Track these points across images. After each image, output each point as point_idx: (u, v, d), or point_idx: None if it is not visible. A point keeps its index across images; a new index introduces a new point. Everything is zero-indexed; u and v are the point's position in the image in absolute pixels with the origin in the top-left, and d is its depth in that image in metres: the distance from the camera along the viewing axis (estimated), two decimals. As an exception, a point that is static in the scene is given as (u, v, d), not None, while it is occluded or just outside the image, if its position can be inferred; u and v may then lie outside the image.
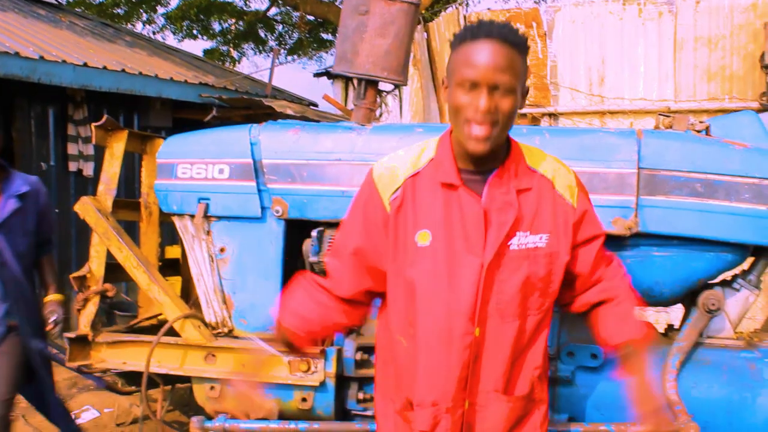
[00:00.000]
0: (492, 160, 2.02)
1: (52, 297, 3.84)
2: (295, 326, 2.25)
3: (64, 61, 7.19)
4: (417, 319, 2.04)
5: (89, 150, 7.89)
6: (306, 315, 2.25)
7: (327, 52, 17.67)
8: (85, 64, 7.39)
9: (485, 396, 2.05)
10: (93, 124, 3.61)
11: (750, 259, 2.99)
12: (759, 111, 6.47)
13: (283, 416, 3.18)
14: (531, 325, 2.06)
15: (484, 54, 1.87)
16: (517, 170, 2.03)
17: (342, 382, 3.15)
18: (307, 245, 3.10)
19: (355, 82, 3.33)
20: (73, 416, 4.33)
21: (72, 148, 7.82)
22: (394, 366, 2.16)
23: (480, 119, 1.88)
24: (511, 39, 1.90)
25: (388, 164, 2.12)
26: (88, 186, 7.78)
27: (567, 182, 2.09)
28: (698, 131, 2.92)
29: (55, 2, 11.69)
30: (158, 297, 3.37)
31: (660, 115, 3.07)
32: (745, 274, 3.00)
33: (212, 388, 3.26)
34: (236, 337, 3.27)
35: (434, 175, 2.04)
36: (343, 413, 3.17)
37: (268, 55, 17.90)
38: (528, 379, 2.09)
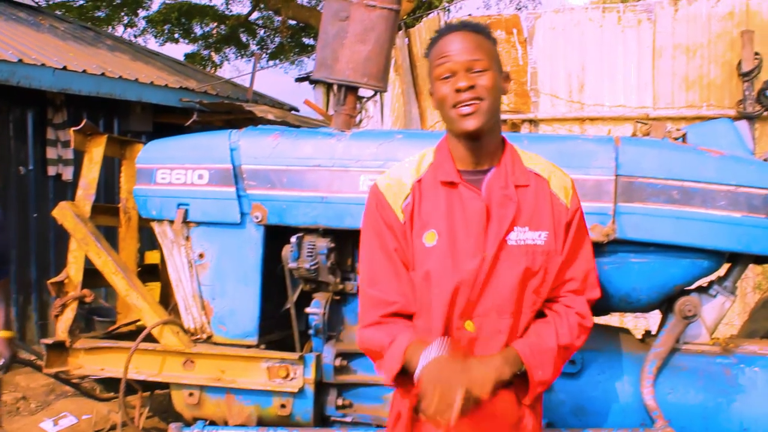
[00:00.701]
0: (489, 157, 2.06)
1: (0, 334, 3.45)
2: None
3: (43, 65, 7.14)
4: (431, 319, 2.03)
5: (68, 154, 7.83)
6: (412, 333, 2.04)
7: (309, 57, 17.67)
8: (65, 68, 7.35)
9: None
10: (72, 129, 3.60)
11: (726, 266, 3.02)
12: (736, 118, 6.55)
13: (262, 422, 3.18)
14: (523, 324, 2.05)
15: (451, 43, 1.99)
16: (514, 168, 2.07)
17: (321, 388, 3.14)
18: (287, 251, 3.10)
19: (335, 87, 3.33)
20: None
21: (51, 152, 7.76)
22: None
23: (463, 98, 1.96)
24: (473, 27, 2.03)
25: (393, 175, 2.14)
26: (68, 190, 7.72)
27: (562, 183, 2.12)
28: (675, 139, 2.95)
29: (35, 5, 11.61)
30: (137, 303, 3.36)
31: (637, 122, 3.10)
32: (721, 280, 3.03)
33: (191, 394, 3.24)
34: (215, 344, 3.27)
35: (435, 176, 2.07)
36: (322, 420, 3.17)
37: (250, 60, 17.86)
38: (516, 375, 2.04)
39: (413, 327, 2.05)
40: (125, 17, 17.86)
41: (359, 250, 2.25)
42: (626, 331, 3.21)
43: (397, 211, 2.07)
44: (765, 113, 6.48)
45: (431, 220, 2.03)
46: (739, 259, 3.00)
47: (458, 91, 1.96)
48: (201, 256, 3.25)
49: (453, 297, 1.99)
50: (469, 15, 7.97)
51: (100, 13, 17.20)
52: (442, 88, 1.99)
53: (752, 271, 6.76)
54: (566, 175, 2.16)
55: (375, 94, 3.56)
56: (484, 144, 2.04)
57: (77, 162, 7.44)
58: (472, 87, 1.95)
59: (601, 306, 2.69)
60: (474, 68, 1.97)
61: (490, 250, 1.98)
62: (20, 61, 6.87)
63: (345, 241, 3.15)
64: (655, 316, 3.16)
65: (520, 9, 10.28)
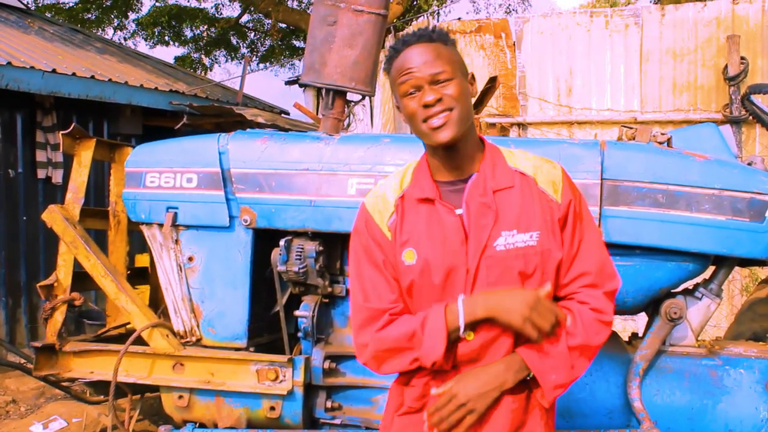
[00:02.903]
0: (468, 164, 2.04)
1: None
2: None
3: (32, 68, 7.12)
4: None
5: (58, 157, 7.82)
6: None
7: (299, 60, 17.68)
8: (54, 71, 7.33)
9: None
10: (60, 133, 3.60)
11: (711, 269, 3.05)
12: (722, 122, 6.60)
13: (251, 425, 3.19)
14: None
15: (411, 58, 1.97)
16: (494, 171, 2.03)
17: (310, 390, 3.16)
18: (276, 254, 3.11)
19: (324, 92, 3.35)
20: None
21: (40, 155, 7.75)
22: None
23: (433, 112, 1.94)
24: (428, 37, 1.99)
25: (378, 192, 2.13)
26: (57, 193, 7.71)
27: (550, 178, 2.06)
28: (660, 143, 2.98)
29: (24, 7, 11.58)
30: (126, 306, 3.36)
31: (623, 126, 3.12)
32: (706, 283, 3.06)
33: (180, 397, 3.25)
34: (204, 346, 3.28)
35: (413, 193, 2.06)
36: (311, 422, 3.18)
37: (240, 63, 17.85)
38: (526, 381, 2.02)
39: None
40: (115, 20, 17.83)
41: (348, 261, 2.24)
42: (613, 334, 3.23)
43: (384, 230, 2.06)
44: (750, 118, 6.54)
45: (411, 239, 2.02)
46: (724, 262, 3.03)
47: (426, 106, 1.94)
48: (190, 259, 3.26)
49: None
50: (459, 19, 7.99)
51: (89, 16, 17.16)
52: (410, 104, 1.97)
53: (740, 273, 6.81)
54: (555, 167, 2.09)
55: (363, 98, 3.57)
56: (461, 152, 2.02)
57: (67, 165, 7.45)
58: (439, 100, 1.94)
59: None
60: (438, 80, 1.95)
61: (472, 261, 1.96)
62: (9, 63, 6.86)
63: (333, 245, 3.17)
64: (644, 318, 3.19)
65: (509, 13, 10.32)
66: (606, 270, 2.08)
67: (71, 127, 3.60)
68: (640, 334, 3.14)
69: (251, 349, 3.26)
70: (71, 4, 16.79)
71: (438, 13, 14.35)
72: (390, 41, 7.74)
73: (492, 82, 6.02)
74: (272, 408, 3.13)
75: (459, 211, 2.01)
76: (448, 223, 2.00)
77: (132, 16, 17.88)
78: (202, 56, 18.97)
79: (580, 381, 2.94)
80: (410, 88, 1.96)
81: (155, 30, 17.66)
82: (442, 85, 1.95)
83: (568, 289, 2.05)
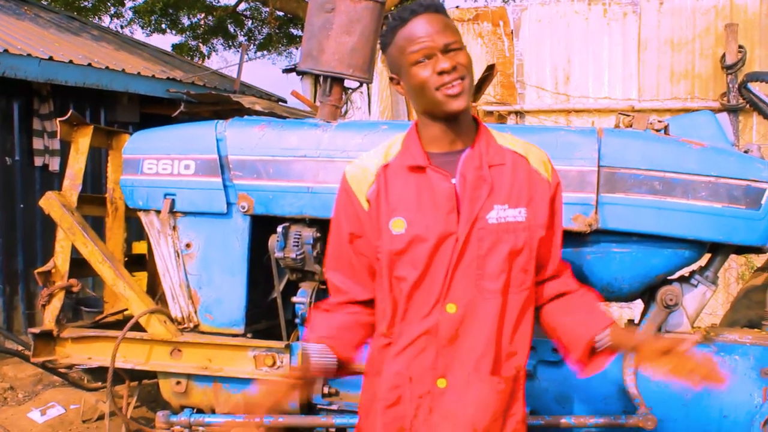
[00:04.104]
0: (464, 137, 2.05)
1: None
2: (331, 341, 2.13)
3: (29, 55, 7.10)
4: (405, 310, 2.03)
5: (55, 145, 7.81)
6: (336, 327, 2.16)
7: (296, 48, 17.61)
8: (51, 58, 7.31)
9: (466, 377, 2.01)
10: (58, 119, 3.60)
11: (707, 256, 3.06)
12: (720, 111, 6.61)
13: (248, 410, 3.20)
14: (514, 303, 2.03)
15: (422, 26, 1.96)
16: (488, 148, 2.06)
17: (307, 376, 3.17)
18: (273, 241, 3.12)
19: (321, 79, 3.35)
20: None
21: (37, 143, 7.73)
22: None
23: (449, 78, 1.94)
24: (435, 7, 2.01)
25: (359, 163, 2.14)
26: (54, 181, 7.70)
27: (540, 158, 2.11)
28: (657, 130, 2.98)
29: (20, -6, 11.53)
30: (124, 292, 3.37)
31: (620, 114, 3.12)
32: (702, 270, 3.06)
33: (178, 383, 3.27)
34: (202, 332, 3.29)
35: (402, 162, 2.07)
36: (308, 408, 3.19)
37: (237, 51, 17.80)
38: (513, 364, 2.06)
39: (351, 319, 2.17)
40: (111, 7, 17.74)
41: None
42: (609, 321, 3.24)
43: (362, 199, 2.08)
44: (748, 106, 6.55)
45: (399, 207, 2.03)
46: (720, 249, 3.04)
47: (441, 73, 1.94)
48: (188, 245, 3.27)
49: (429, 280, 2.00)
50: (457, 7, 7.97)
51: (86, 3, 17.08)
52: (421, 72, 1.96)
53: (736, 261, 6.83)
54: (541, 151, 2.16)
55: (361, 85, 3.57)
56: (461, 123, 2.04)
57: (64, 152, 7.42)
58: (454, 68, 1.94)
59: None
60: (451, 48, 1.95)
61: (463, 229, 1.97)
62: (5, 51, 6.84)
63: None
64: (640, 305, 3.20)
65: (507, 1, 10.29)
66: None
67: (68, 114, 3.60)
68: (636, 321, 3.16)
69: (249, 335, 3.27)
70: (67, -8, 16.71)
71: (436, 1, 14.30)
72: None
73: (490, 70, 6.03)
74: (270, 394, 3.14)
75: (453, 181, 2.02)
76: (441, 191, 2.01)
77: (128, 3, 17.80)
78: (200, 44, 18.90)
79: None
80: (421, 56, 1.95)
81: (152, 18, 17.57)
82: (455, 53, 1.96)
83: (552, 270, 2.18)
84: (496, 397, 2.03)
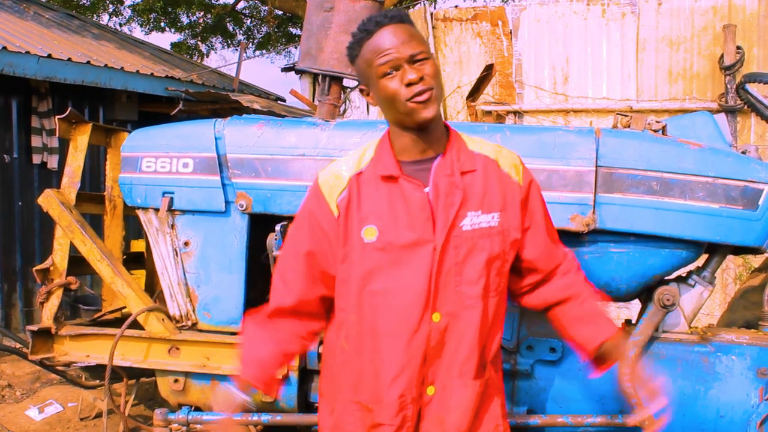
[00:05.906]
0: (435, 144, 2.06)
1: None
2: (255, 378, 2.21)
3: (28, 52, 7.10)
4: (374, 317, 2.04)
5: (53, 142, 7.82)
6: (263, 358, 2.21)
7: (295, 47, 17.60)
8: (50, 56, 7.31)
9: (450, 382, 2.04)
10: (56, 117, 3.60)
11: (704, 256, 3.06)
12: (718, 111, 6.61)
13: (246, 409, 3.20)
14: (493, 306, 2.07)
15: (388, 38, 1.97)
16: (459, 154, 2.07)
17: (305, 375, 3.17)
18: (271, 239, 3.12)
19: (320, 78, 3.36)
20: None
21: (36, 141, 7.73)
22: (347, 370, 2.14)
23: (417, 89, 1.95)
24: (399, 18, 2.02)
25: (332, 169, 2.15)
26: (52, 179, 7.71)
27: (511, 162, 2.14)
28: (655, 131, 2.99)
29: (20, -8, 11.52)
30: (122, 290, 3.37)
31: (618, 114, 3.13)
32: (699, 270, 3.07)
33: (176, 381, 3.27)
34: (200, 330, 3.29)
35: (375, 170, 2.08)
36: (306, 406, 3.20)
37: (236, 49, 17.80)
38: (489, 363, 2.11)
39: (287, 335, 2.21)
40: (110, 5, 17.73)
41: None
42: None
43: (332, 205, 2.08)
44: (745, 107, 6.55)
45: (371, 216, 2.04)
46: (717, 250, 3.04)
47: (410, 84, 1.95)
48: (186, 243, 3.27)
49: (405, 290, 2.01)
50: (456, 6, 7.97)
51: (84, 2, 17.07)
52: (390, 84, 1.97)
53: (733, 263, 6.84)
54: (512, 153, 2.18)
55: (359, 84, 3.57)
56: (432, 131, 2.05)
57: (62, 150, 7.43)
58: (421, 78, 1.95)
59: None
60: (417, 59, 1.96)
61: (440, 238, 1.99)
62: (4, 48, 6.84)
63: (329, 230, 3.17)
64: (637, 305, 3.21)
65: (505, 1, 10.28)
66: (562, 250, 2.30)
67: (67, 112, 3.60)
68: (633, 321, 3.16)
69: (247, 333, 3.27)
70: (67, -10, 16.69)
71: (434, 0, 14.33)
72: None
73: (488, 70, 6.03)
74: (267, 392, 3.15)
75: (426, 190, 2.03)
76: (414, 200, 2.02)
77: (127, 1, 17.79)
78: (199, 42, 18.90)
79: (572, 366, 2.98)
80: (389, 68, 1.96)
81: (151, 16, 17.57)
82: (421, 64, 1.97)
83: (547, 265, 2.22)
84: (478, 399, 2.08)
